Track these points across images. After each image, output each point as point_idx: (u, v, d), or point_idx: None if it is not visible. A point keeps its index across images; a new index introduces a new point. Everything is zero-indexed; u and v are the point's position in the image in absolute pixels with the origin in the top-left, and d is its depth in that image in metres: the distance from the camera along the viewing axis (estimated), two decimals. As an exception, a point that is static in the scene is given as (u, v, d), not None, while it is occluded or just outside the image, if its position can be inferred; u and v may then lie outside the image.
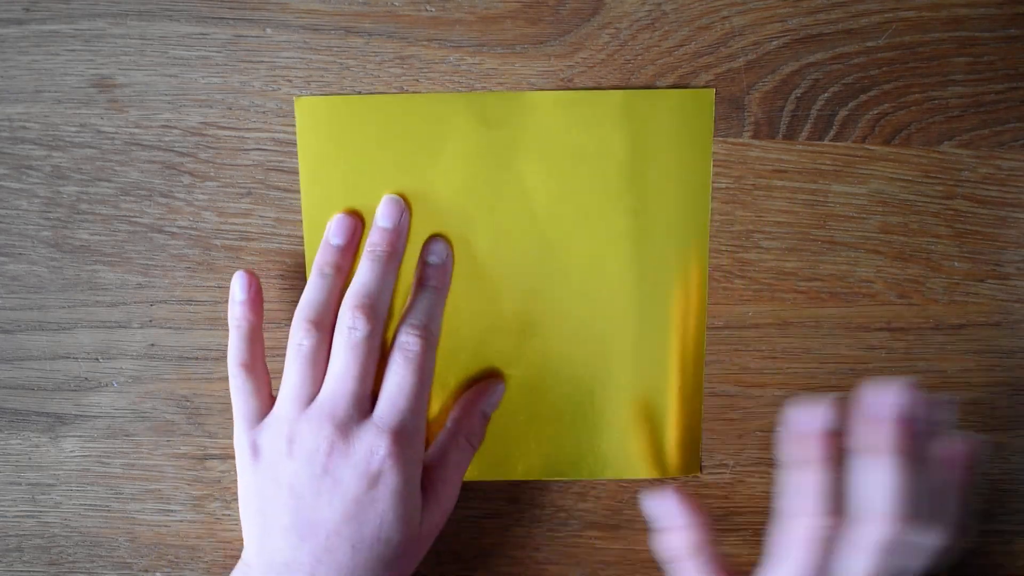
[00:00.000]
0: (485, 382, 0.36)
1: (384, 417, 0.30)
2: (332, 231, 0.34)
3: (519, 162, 0.34)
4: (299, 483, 0.30)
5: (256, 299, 0.34)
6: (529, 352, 0.36)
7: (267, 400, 0.32)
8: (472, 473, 0.36)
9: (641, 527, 0.38)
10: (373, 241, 0.33)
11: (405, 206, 0.34)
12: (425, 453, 0.34)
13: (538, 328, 0.35)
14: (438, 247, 0.34)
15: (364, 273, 0.32)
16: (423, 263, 0.34)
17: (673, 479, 0.37)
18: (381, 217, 0.34)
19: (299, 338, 0.31)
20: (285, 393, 0.31)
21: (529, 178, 0.34)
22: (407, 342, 0.31)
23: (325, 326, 0.32)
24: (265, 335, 0.35)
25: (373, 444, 0.30)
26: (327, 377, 0.31)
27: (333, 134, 0.34)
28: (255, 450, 0.31)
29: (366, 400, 0.31)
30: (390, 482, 0.30)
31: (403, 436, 0.30)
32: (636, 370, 0.36)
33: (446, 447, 0.34)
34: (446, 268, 0.34)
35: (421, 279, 0.34)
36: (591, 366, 0.36)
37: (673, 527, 0.31)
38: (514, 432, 0.36)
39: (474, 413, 0.35)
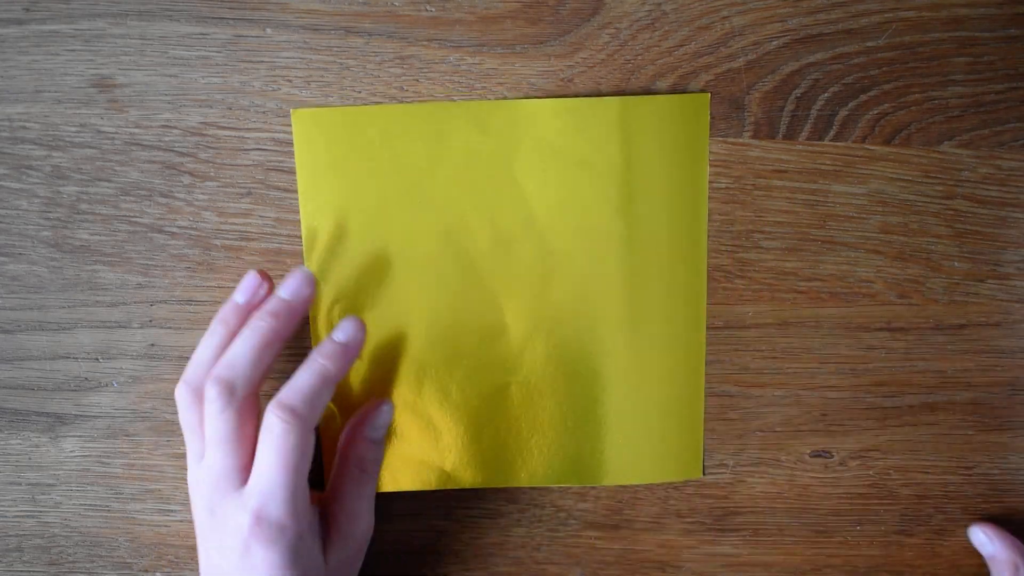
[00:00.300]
0: (370, 404, 0.34)
1: (249, 495, 0.30)
2: (239, 288, 0.33)
3: (517, 170, 0.34)
4: (201, 525, 0.31)
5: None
6: (530, 359, 0.36)
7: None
8: (476, 480, 0.36)
9: (641, 527, 0.38)
10: (263, 310, 0.31)
11: (313, 281, 0.32)
12: (324, 490, 0.34)
13: (538, 334, 0.35)
14: (349, 326, 0.32)
15: (236, 345, 0.31)
16: (325, 339, 0.32)
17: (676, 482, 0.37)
18: (283, 287, 0.32)
19: (178, 397, 0.32)
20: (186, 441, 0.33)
21: (528, 185, 0.34)
22: (269, 425, 0.30)
23: (201, 386, 0.31)
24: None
25: (239, 520, 0.30)
26: (205, 439, 0.31)
27: (331, 145, 0.34)
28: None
29: (239, 469, 0.30)
30: (262, 555, 0.30)
31: (266, 519, 0.29)
32: (637, 375, 0.36)
33: (341, 479, 0.33)
34: (348, 351, 0.32)
35: (312, 354, 0.32)
36: (592, 372, 0.36)
37: (999, 556, 0.36)
38: (516, 439, 0.36)
39: (360, 440, 0.34)
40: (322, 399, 0.31)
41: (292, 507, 0.30)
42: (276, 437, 0.30)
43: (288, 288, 0.32)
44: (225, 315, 0.32)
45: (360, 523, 0.33)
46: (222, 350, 0.31)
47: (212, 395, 0.30)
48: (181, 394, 0.32)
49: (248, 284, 0.33)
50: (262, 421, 0.30)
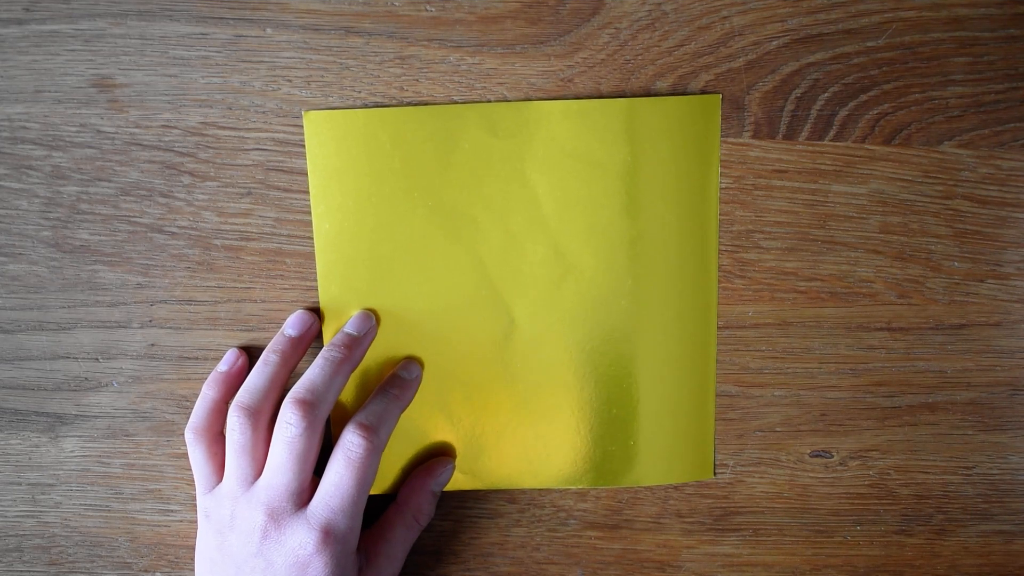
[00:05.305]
0: (434, 460, 0.36)
1: (316, 514, 0.31)
2: (289, 322, 0.35)
3: (528, 171, 0.34)
4: (238, 555, 0.32)
5: (235, 376, 0.35)
6: (541, 361, 0.35)
7: (219, 469, 0.34)
8: (484, 483, 0.36)
9: (641, 527, 0.38)
10: (333, 342, 0.34)
11: (375, 322, 0.35)
12: (372, 526, 0.35)
13: (550, 336, 0.35)
14: (412, 367, 0.35)
15: (313, 370, 0.33)
16: (392, 375, 0.35)
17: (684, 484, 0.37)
18: (348, 324, 0.34)
19: (233, 425, 0.32)
20: (228, 472, 0.33)
21: (539, 187, 0.34)
22: (351, 443, 0.32)
23: (261, 412, 0.32)
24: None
25: (303, 539, 0.31)
26: (266, 465, 0.32)
27: (342, 147, 0.34)
28: (207, 514, 0.33)
29: (303, 492, 0.32)
30: (319, 566, 0.31)
31: (333, 534, 0.31)
32: (649, 376, 0.36)
33: (393, 523, 0.35)
34: (412, 385, 0.35)
35: (385, 386, 0.34)
36: (604, 373, 0.36)
37: None
38: (524, 442, 0.36)
39: (422, 491, 0.35)
40: (392, 425, 0.34)
41: (358, 523, 0.32)
42: (357, 458, 0.31)
43: (354, 325, 0.34)
44: (278, 347, 0.34)
45: (396, 566, 0.35)
46: (277, 379, 0.33)
47: (294, 418, 0.31)
48: (238, 417, 0.32)
49: (298, 320, 0.35)
50: (339, 440, 0.32)
